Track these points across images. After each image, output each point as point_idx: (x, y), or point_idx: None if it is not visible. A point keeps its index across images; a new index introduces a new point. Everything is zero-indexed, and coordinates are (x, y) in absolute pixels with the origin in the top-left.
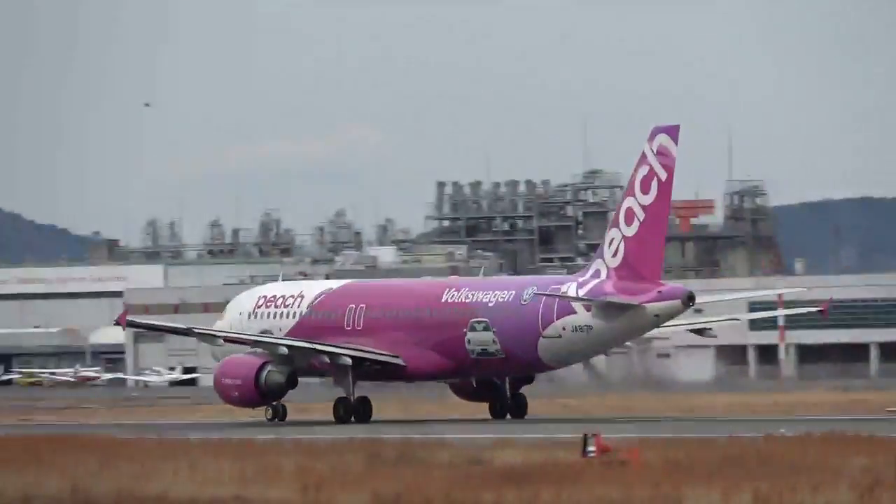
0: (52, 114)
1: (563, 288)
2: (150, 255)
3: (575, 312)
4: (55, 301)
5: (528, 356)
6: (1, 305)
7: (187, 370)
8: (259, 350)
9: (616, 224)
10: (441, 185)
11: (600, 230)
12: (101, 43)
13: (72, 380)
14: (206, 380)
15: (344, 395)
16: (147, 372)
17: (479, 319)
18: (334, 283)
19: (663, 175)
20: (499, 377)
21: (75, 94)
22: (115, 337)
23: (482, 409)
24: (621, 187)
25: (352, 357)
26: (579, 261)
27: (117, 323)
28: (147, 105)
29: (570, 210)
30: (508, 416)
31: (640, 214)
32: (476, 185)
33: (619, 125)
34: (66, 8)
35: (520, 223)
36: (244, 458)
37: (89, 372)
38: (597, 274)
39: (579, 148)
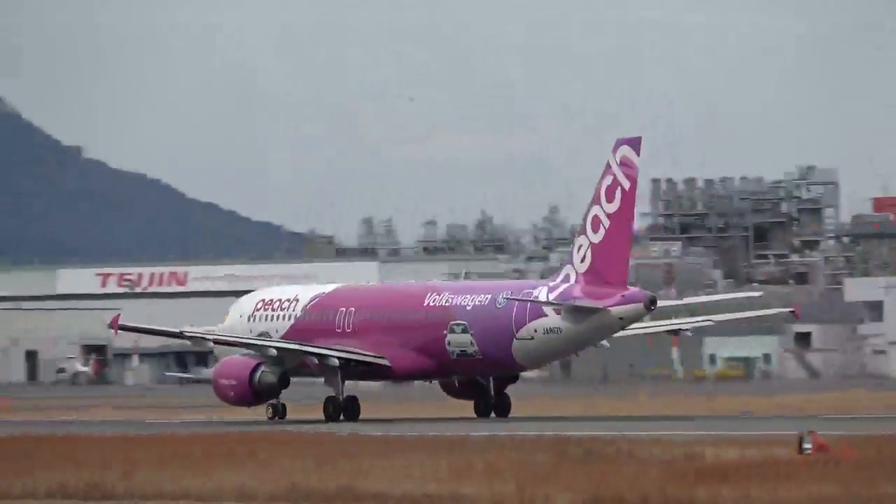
0: (268, 114)
1: (535, 292)
2: (366, 252)
3: (546, 315)
4: None
5: (503, 357)
6: (218, 302)
7: None
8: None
9: (584, 231)
10: (655, 182)
11: (815, 227)
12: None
13: None
14: None
15: (333, 395)
16: None
17: (458, 322)
18: (327, 288)
19: (626, 184)
20: (479, 377)
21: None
22: None
23: (467, 407)
24: (834, 184)
25: (339, 358)
26: (794, 257)
27: (110, 327)
28: (412, 100)
29: (784, 206)
30: (493, 415)
31: (606, 222)
32: (690, 181)
33: (833, 121)
34: None
35: (734, 220)
36: (459, 454)
37: None
38: (566, 279)
39: (792, 144)
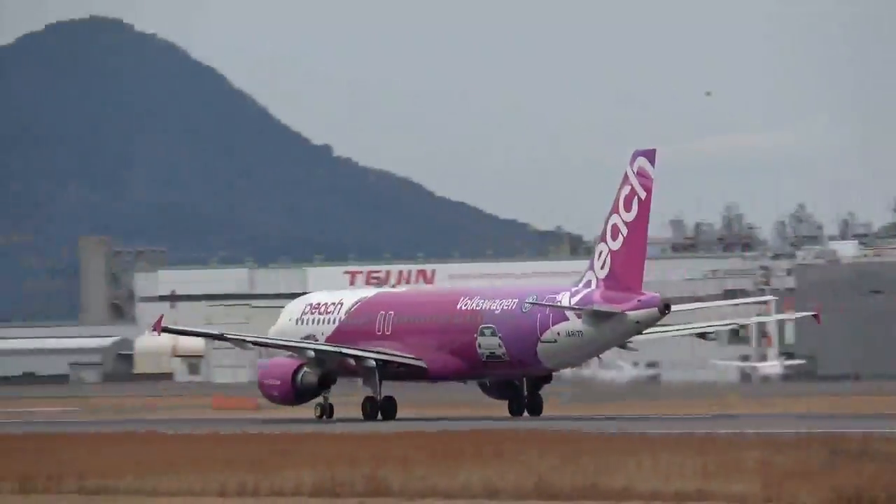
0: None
1: (559, 297)
2: None
3: (568, 319)
4: None
5: (529, 359)
6: None
7: (650, 365)
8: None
9: (604, 239)
10: None
11: None
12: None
13: None
14: (669, 375)
15: (371, 395)
16: (611, 367)
17: (487, 325)
18: (369, 292)
19: (643, 195)
20: (507, 377)
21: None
22: None
23: (500, 407)
24: None
25: (376, 360)
26: None
27: (153, 329)
28: (708, 94)
29: None
30: (526, 414)
31: (624, 230)
32: None
33: None
34: None
35: None
36: (706, 452)
37: None
38: (588, 284)
39: None
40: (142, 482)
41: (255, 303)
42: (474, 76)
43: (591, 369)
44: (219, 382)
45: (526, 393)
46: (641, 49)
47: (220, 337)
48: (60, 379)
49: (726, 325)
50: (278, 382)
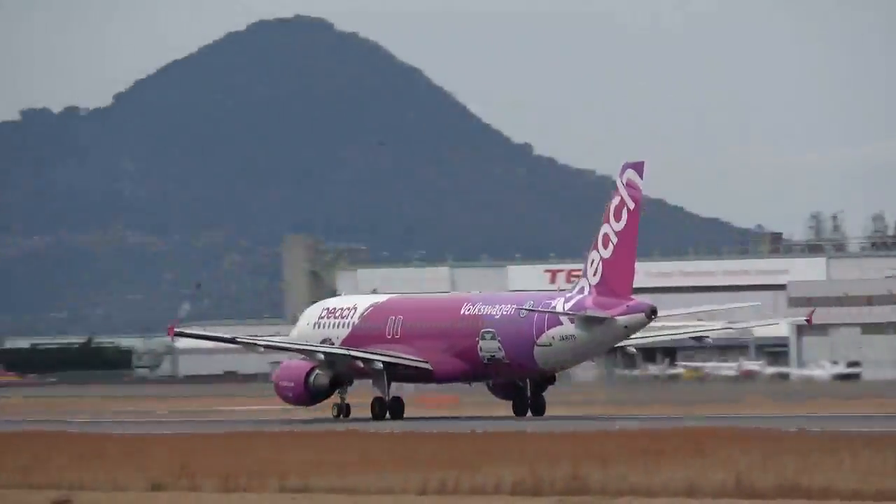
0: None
1: (554, 302)
2: (813, 249)
3: (562, 324)
4: (718, 294)
5: (526, 361)
6: (665, 298)
7: (851, 364)
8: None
9: (596, 247)
10: None
11: None
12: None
13: (735, 374)
14: (871, 373)
15: (380, 395)
16: (811, 365)
17: (488, 329)
18: (381, 298)
19: (631, 205)
20: (507, 379)
21: None
22: (778, 331)
23: (504, 407)
24: None
25: (384, 362)
26: None
27: (167, 334)
28: None
29: None
30: (529, 414)
31: (614, 239)
32: None
33: None
34: None
35: None
36: None
37: (753, 365)
38: (581, 290)
39: None
40: (343, 480)
41: None
42: (680, 78)
43: (791, 368)
44: None
45: (530, 394)
46: None
47: (233, 340)
48: (262, 377)
49: (722, 328)
50: (292, 384)
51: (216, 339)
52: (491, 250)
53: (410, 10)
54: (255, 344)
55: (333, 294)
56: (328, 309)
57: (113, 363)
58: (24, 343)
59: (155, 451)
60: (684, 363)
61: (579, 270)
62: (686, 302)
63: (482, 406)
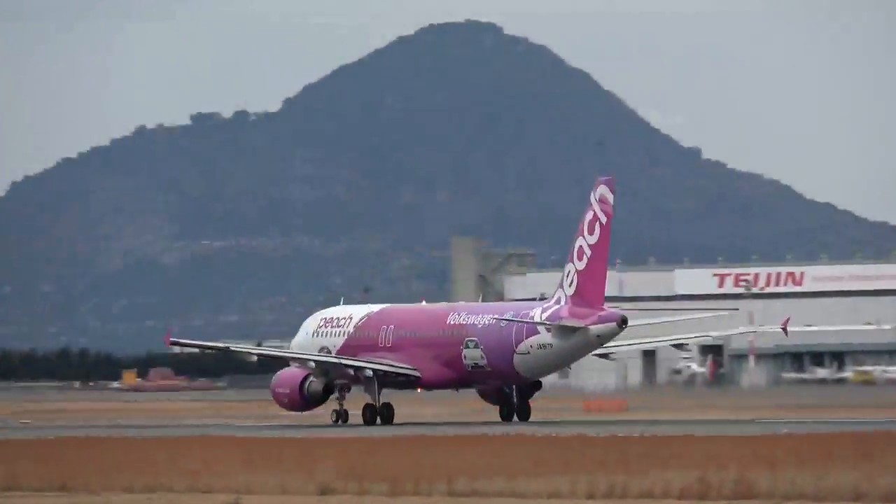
0: None
1: (532, 312)
2: None
3: (539, 333)
4: (888, 298)
5: (507, 369)
6: (835, 302)
7: None
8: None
9: (571, 259)
10: None
11: None
12: None
13: None
14: None
15: (371, 402)
16: None
17: (471, 338)
18: (374, 308)
19: (604, 219)
20: (492, 385)
21: None
22: None
23: (491, 412)
24: None
25: (374, 370)
26: None
27: (164, 343)
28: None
29: None
30: (515, 419)
31: (588, 252)
32: None
33: None
34: None
35: None
36: None
37: None
38: (558, 301)
39: None
40: (511, 484)
41: (623, 305)
42: (839, 83)
43: None
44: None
45: (516, 400)
46: None
47: (226, 349)
48: None
49: (699, 336)
50: (288, 391)
51: (209, 349)
52: (658, 254)
53: (578, 10)
54: (249, 352)
55: (501, 298)
56: (325, 319)
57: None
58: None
59: (324, 455)
60: (853, 367)
61: (747, 274)
62: (853, 306)
63: (471, 412)
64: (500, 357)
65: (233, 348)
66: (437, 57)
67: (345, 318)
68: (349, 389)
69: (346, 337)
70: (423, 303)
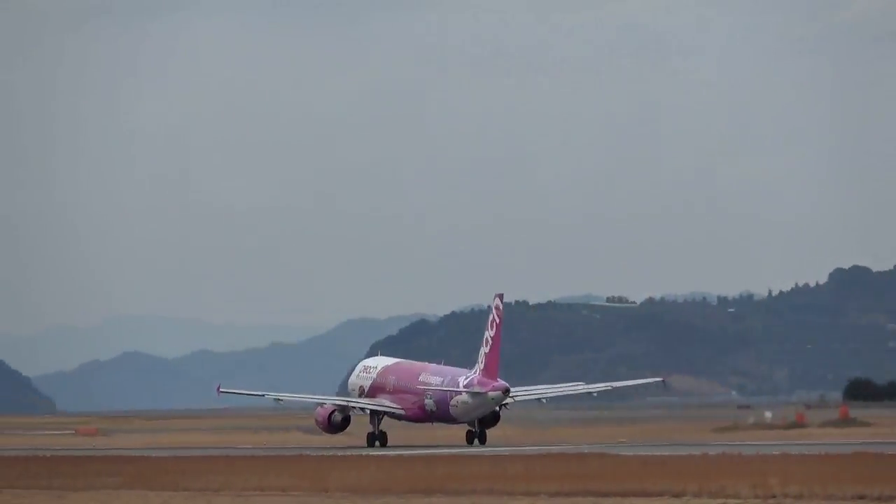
0: None
1: (462, 377)
2: None
3: (462, 393)
4: None
5: (446, 415)
6: None
7: None
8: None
9: (484, 345)
10: None
11: None
12: None
13: None
14: None
15: (371, 431)
16: None
17: (428, 393)
18: (389, 361)
19: (497, 321)
20: (445, 423)
21: None
22: None
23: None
24: None
25: (372, 409)
26: None
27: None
28: None
29: None
30: (476, 442)
31: (490, 342)
32: None
33: None
34: None
35: None
36: None
37: None
38: (476, 371)
39: None
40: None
41: None
42: None
43: None
44: None
45: (477, 430)
46: None
47: (262, 395)
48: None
49: (603, 387)
50: (321, 420)
51: (250, 395)
52: None
53: None
54: (279, 399)
55: None
56: (364, 366)
57: None
58: None
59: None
60: None
61: None
62: None
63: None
64: (442, 406)
65: (268, 395)
66: None
67: (373, 367)
68: (381, 417)
69: (371, 381)
70: (426, 363)
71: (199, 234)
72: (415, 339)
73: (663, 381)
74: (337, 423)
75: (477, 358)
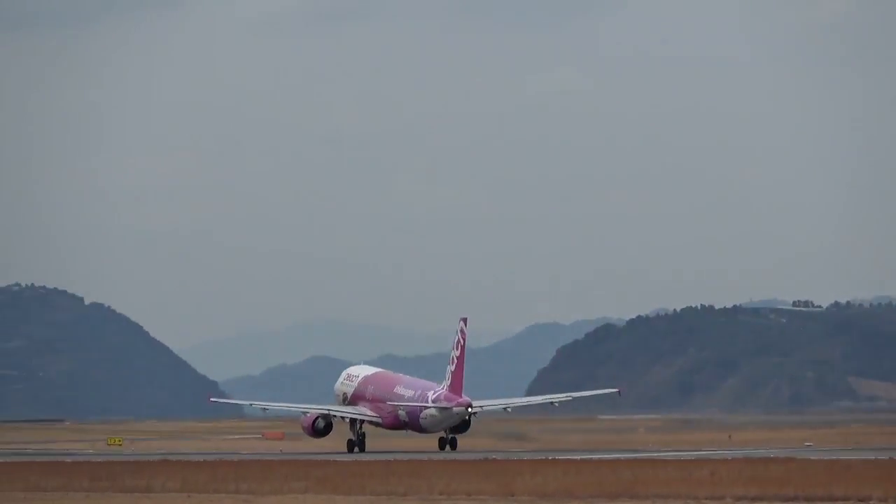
0: None
1: (431, 392)
2: None
3: (430, 407)
4: None
5: (416, 425)
6: None
7: None
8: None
9: (451, 363)
10: None
11: None
12: None
13: None
14: None
15: (351, 437)
16: None
17: (400, 404)
18: (370, 371)
19: (462, 342)
20: (418, 433)
21: None
22: None
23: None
24: None
25: (351, 417)
26: None
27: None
28: None
29: None
30: (448, 448)
31: (455, 361)
32: None
33: None
34: None
35: None
36: None
37: None
38: (444, 387)
39: None
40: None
41: None
42: None
43: None
44: None
45: (448, 437)
46: None
47: (251, 405)
48: None
49: (564, 397)
50: (306, 426)
51: (240, 404)
52: None
53: None
54: (264, 407)
55: None
56: (348, 374)
57: None
58: None
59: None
60: None
61: None
62: None
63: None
64: (413, 417)
65: (255, 404)
66: None
67: (356, 376)
68: (360, 425)
69: (354, 388)
70: (401, 375)
71: (390, 239)
72: (599, 344)
73: (619, 392)
74: (320, 428)
75: (663, 361)
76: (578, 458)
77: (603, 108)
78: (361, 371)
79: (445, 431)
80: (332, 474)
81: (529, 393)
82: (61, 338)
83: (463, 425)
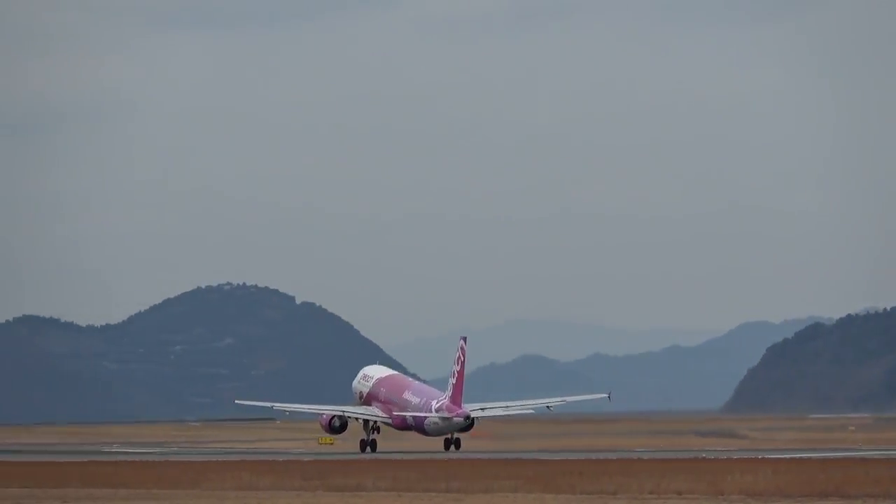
0: None
1: (434, 400)
2: None
3: (434, 414)
4: None
5: (422, 429)
6: None
7: None
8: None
9: (452, 377)
10: None
11: None
12: None
13: None
14: None
15: (363, 437)
16: None
17: (409, 406)
18: (384, 373)
19: (462, 359)
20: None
21: None
22: None
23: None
24: None
25: (364, 417)
26: None
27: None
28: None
29: None
30: (452, 448)
31: (456, 375)
32: None
33: None
34: None
35: None
36: None
37: None
38: (446, 398)
39: None
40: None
41: None
42: None
43: None
44: None
45: (453, 438)
46: None
47: (271, 408)
48: None
49: (557, 401)
50: (324, 424)
51: (263, 408)
52: None
53: None
54: (284, 410)
55: None
56: (364, 374)
57: None
58: None
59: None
60: None
61: None
62: None
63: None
64: (418, 422)
65: (276, 406)
66: None
67: (371, 376)
68: (372, 425)
69: (369, 388)
70: (412, 381)
71: (583, 238)
72: (808, 342)
73: (608, 396)
74: (336, 427)
75: (872, 360)
76: (788, 457)
77: None
78: (376, 372)
79: (451, 434)
80: (542, 473)
81: (739, 392)
82: (272, 337)
83: (467, 426)
